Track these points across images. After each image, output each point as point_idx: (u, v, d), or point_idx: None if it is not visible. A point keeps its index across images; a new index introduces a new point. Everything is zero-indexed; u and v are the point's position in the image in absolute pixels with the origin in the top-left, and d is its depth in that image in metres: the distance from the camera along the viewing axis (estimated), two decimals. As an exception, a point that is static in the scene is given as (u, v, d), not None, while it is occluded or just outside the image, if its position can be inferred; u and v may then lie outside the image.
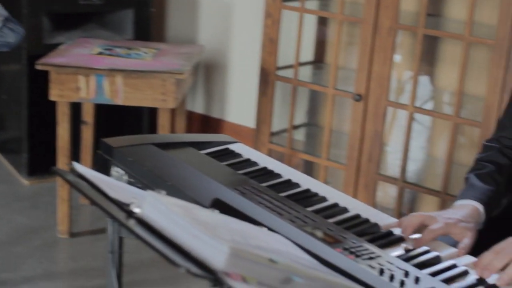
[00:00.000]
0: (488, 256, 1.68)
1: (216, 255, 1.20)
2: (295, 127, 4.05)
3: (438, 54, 3.78)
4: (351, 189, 3.59)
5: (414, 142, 3.83)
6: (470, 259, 1.73)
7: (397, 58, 3.83)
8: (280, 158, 3.60)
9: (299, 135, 4.24)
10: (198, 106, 4.70)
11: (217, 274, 1.19)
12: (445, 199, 3.39)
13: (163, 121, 3.50)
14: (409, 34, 3.74)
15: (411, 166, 3.78)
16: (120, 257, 1.95)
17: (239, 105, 4.55)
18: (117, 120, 4.25)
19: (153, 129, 4.22)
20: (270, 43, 3.72)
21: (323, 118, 4.13)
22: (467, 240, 1.80)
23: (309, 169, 4.13)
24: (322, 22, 4.13)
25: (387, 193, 3.95)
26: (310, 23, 4.06)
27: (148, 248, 1.31)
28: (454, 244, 1.80)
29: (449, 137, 3.39)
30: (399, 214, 3.51)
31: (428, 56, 3.76)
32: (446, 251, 1.76)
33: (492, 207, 1.99)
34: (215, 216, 1.43)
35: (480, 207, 1.95)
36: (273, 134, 3.91)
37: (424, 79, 3.82)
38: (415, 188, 3.58)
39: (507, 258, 1.65)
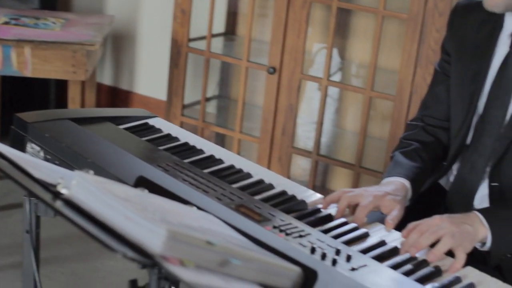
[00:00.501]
0: (414, 235, 1.68)
1: (153, 239, 1.15)
2: (207, 100, 4.00)
3: (351, 28, 3.78)
4: (265, 163, 3.57)
5: (326, 116, 3.84)
6: (399, 235, 1.73)
7: (309, 30, 3.81)
8: (193, 131, 3.54)
9: (211, 108, 4.20)
10: (106, 78, 4.59)
11: (155, 259, 1.14)
12: (359, 172, 3.41)
13: (73, 94, 3.39)
14: (322, 7, 3.73)
15: (321, 139, 3.78)
16: (37, 236, 1.88)
17: (149, 77, 4.46)
18: (22, 93, 4.11)
19: (60, 102, 4.10)
20: (182, 14, 3.65)
21: (235, 90, 4.10)
22: (395, 212, 1.80)
23: (221, 142, 4.09)
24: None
25: (299, 165, 3.96)
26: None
27: (58, 225, 1.25)
28: (382, 219, 1.80)
29: (362, 110, 3.41)
30: (313, 187, 3.51)
31: (341, 29, 3.76)
32: (374, 227, 1.76)
33: (419, 184, 2.00)
34: (145, 196, 1.38)
35: (407, 183, 1.95)
36: (185, 106, 3.85)
37: (335, 52, 3.82)
38: (329, 161, 3.58)
39: (433, 237, 1.66)
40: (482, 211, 1.81)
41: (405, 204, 1.92)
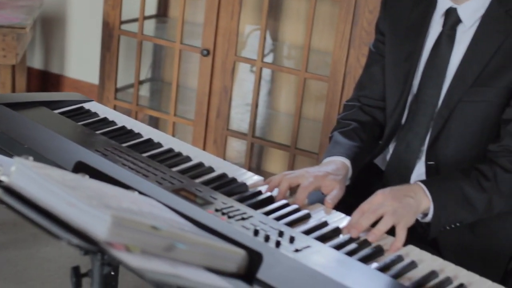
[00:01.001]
0: (355, 215, 1.69)
1: (97, 225, 1.13)
2: (140, 83, 3.96)
3: (284, 9, 3.78)
4: (200, 145, 3.56)
5: (260, 98, 3.84)
6: (340, 216, 1.74)
7: (244, 12, 3.80)
8: (126, 114, 3.50)
9: (144, 91, 4.16)
10: (36, 62, 4.50)
11: (100, 245, 1.12)
12: (294, 153, 3.42)
13: (4, 78, 3.33)
14: (255, -12, 3.72)
15: (257, 121, 3.79)
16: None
17: (80, 61, 4.39)
18: None
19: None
20: (114, -4, 3.60)
21: (168, 73, 4.07)
22: (335, 192, 1.81)
23: (155, 125, 4.06)
24: (166, -25, 4.05)
25: (235, 148, 3.95)
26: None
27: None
28: (323, 200, 1.81)
29: (296, 92, 3.41)
30: (249, 169, 3.51)
31: (274, 11, 3.76)
32: (316, 209, 1.77)
33: (359, 162, 2.01)
34: (86, 181, 1.36)
35: (347, 162, 1.96)
36: (118, 90, 3.81)
37: (270, 34, 3.82)
38: (264, 142, 3.59)
39: (374, 216, 1.68)
40: (424, 182, 1.83)
41: (346, 183, 1.93)
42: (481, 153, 1.96)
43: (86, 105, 2.21)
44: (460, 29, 1.97)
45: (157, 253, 1.20)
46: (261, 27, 3.38)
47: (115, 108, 3.71)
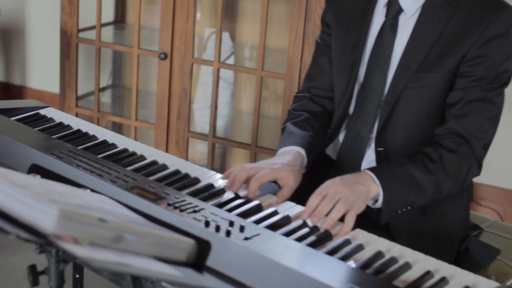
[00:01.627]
0: (314, 201, 1.74)
1: (45, 219, 1.18)
2: (101, 90, 4.00)
3: (239, 10, 3.84)
4: (163, 148, 3.61)
5: (220, 99, 3.89)
6: (291, 205, 1.80)
7: (199, 15, 3.86)
8: (89, 121, 3.54)
9: (106, 98, 4.20)
10: (-3, 74, 4.54)
11: (48, 238, 1.17)
12: (256, 151, 3.48)
13: (-37, 90, 3.35)
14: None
15: (218, 122, 3.84)
16: None
17: (41, 70, 4.42)
18: None
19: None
20: (70, 4, 3.64)
21: (129, 79, 4.11)
22: (290, 186, 1.86)
23: (118, 131, 4.10)
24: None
25: (198, 149, 4.00)
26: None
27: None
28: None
29: (254, 91, 3.47)
30: (212, 169, 3.56)
31: (230, 13, 3.82)
32: (268, 199, 1.82)
33: (313, 151, 2.06)
34: (36, 180, 1.40)
35: (302, 151, 2.01)
36: (79, 98, 3.84)
37: (226, 35, 3.88)
38: (225, 142, 3.65)
39: (331, 203, 1.72)
40: (373, 169, 1.88)
41: (302, 171, 1.98)
42: (429, 137, 2.01)
43: (42, 111, 2.26)
44: (402, 18, 2.03)
45: (105, 244, 1.24)
46: (217, 29, 3.43)
47: (76, 115, 3.74)
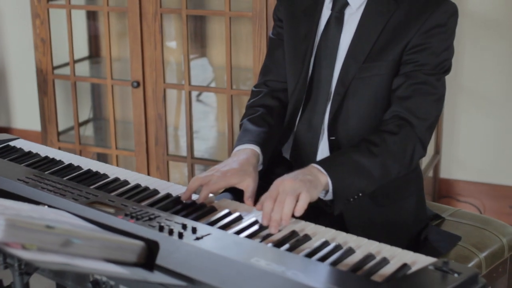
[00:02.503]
0: (267, 205, 1.79)
1: (-6, 229, 1.29)
2: (84, 123, 4.13)
3: (208, 34, 3.97)
4: (145, 174, 3.71)
5: (203, 123, 4.02)
6: (243, 206, 1.90)
7: (175, 44, 4.00)
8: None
9: (89, 131, 4.31)
10: (-18, 118, 4.66)
11: (-2, 246, 1.27)
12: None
13: None
14: (177, 17, 3.90)
15: (203, 145, 3.96)
16: None
17: (24, 110, 4.55)
18: None
19: None
20: (42, 43, 3.77)
21: (109, 110, 4.22)
22: (251, 188, 1.96)
23: (103, 162, 4.19)
24: (92, 17, 4.22)
25: (183, 173, 4.11)
26: (81, 19, 4.14)
27: None
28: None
29: (227, 110, 3.58)
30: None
31: (200, 37, 3.95)
32: (222, 203, 1.92)
33: (268, 147, 2.14)
34: (-6, 200, 1.51)
35: (257, 149, 2.09)
36: (61, 132, 3.96)
37: (201, 60, 4.01)
38: (204, 162, 3.75)
39: (281, 205, 1.77)
40: (318, 162, 1.94)
41: (259, 168, 2.07)
42: (378, 125, 2.09)
43: (12, 143, 2.37)
44: (348, 12, 2.13)
45: (54, 249, 1.35)
46: (184, 52, 3.55)
47: (59, 149, 3.85)
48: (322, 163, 1.93)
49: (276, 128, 2.22)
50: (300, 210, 1.77)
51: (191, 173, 3.69)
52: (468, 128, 3.83)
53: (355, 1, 2.12)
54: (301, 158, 2.20)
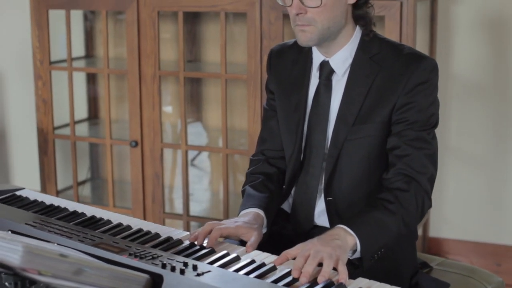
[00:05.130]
0: (300, 261, 1.86)
1: (12, 255, 1.39)
2: (82, 183, 4.23)
3: (204, 96, 4.12)
4: (141, 231, 3.80)
5: (198, 186, 4.13)
6: (240, 248, 2.00)
7: (170, 108, 4.14)
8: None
9: (86, 191, 4.41)
10: (-18, 178, 4.76)
11: (15, 270, 1.38)
12: (227, 224, 3.68)
13: None
14: (175, 80, 4.05)
15: (198, 207, 4.07)
16: None
17: (23, 169, 4.65)
18: None
19: None
20: (44, 104, 3.90)
21: (106, 170, 4.34)
22: (253, 238, 2.06)
23: (99, 220, 4.28)
24: (92, 80, 4.37)
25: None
26: (80, 81, 4.29)
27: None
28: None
29: (222, 169, 3.70)
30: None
31: (195, 100, 4.09)
32: (221, 245, 2.03)
33: (271, 211, 2.27)
34: (6, 234, 1.61)
35: (261, 212, 2.22)
36: (59, 192, 4.07)
37: (195, 125, 4.14)
38: (200, 220, 3.85)
39: (316, 261, 1.86)
40: (344, 223, 2.04)
41: (263, 230, 2.19)
42: (372, 183, 2.23)
43: (18, 192, 2.48)
44: (334, 78, 2.26)
45: (67, 277, 1.45)
46: (181, 113, 3.69)
47: (58, 207, 3.95)
48: (348, 224, 2.03)
49: (276, 193, 2.35)
50: (344, 277, 1.84)
51: (187, 230, 3.78)
52: (455, 187, 3.95)
53: (340, 67, 2.25)
54: (300, 218, 2.33)
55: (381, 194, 2.14)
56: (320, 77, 2.28)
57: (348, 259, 1.98)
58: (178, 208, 4.13)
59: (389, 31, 3.18)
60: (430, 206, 2.21)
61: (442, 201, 3.98)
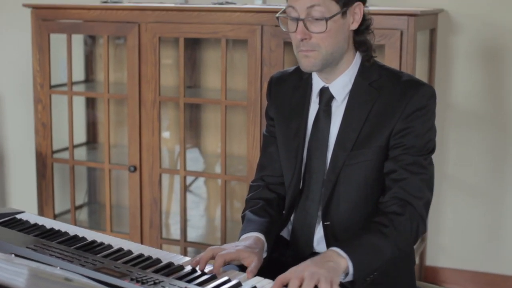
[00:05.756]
0: (294, 283, 1.87)
1: (18, 278, 1.39)
2: (79, 207, 4.23)
3: (203, 123, 4.13)
4: (138, 256, 3.80)
5: (194, 212, 4.13)
6: (241, 274, 2.00)
7: (168, 134, 4.15)
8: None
9: (83, 215, 4.41)
10: (-22, 201, 4.75)
11: (22, 294, 1.38)
12: (224, 250, 3.67)
13: None
14: (174, 106, 4.06)
15: (194, 233, 4.06)
16: None
17: (20, 193, 4.64)
18: None
19: None
20: (43, 127, 3.91)
21: (104, 195, 4.34)
22: (254, 263, 2.06)
23: (95, 245, 4.28)
24: (92, 104, 4.38)
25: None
26: (80, 105, 4.30)
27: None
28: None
29: (220, 195, 3.70)
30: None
31: (194, 126, 4.10)
32: (235, 276, 2.03)
33: (271, 235, 2.28)
34: (11, 257, 1.62)
35: (261, 236, 2.22)
36: (56, 216, 4.06)
37: (193, 150, 4.15)
38: (197, 246, 3.85)
39: (312, 282, 1.87)
40: (337, 246, 2.05)
41: (264, 254, 2.19)
42: (370, 207, 2.23)
43: (19, 216, 2.47)
44: (334, 104, 2.28)
45: (71, 300, 1.45)
46: (181, 139, 3.70)
47: (55, 231, 3.94)
48: (341, 247, 2.04)
49: (276, 218, 2.35)
50: None
51: (184, 255, 3.78)
52: (453, 216, 3.96)
53: (340, 94, 2.27)
54: (299, 244, 2.33)
55: (376, 218, 2.15)
56: (320, 103, 2.30)
57: (340, 282, 1.98)
58: (175, 233, 4.13)
59: (389, 60, 3.21)
60: (425, 230, 2.22)
61: (439, 229, 3.99)
